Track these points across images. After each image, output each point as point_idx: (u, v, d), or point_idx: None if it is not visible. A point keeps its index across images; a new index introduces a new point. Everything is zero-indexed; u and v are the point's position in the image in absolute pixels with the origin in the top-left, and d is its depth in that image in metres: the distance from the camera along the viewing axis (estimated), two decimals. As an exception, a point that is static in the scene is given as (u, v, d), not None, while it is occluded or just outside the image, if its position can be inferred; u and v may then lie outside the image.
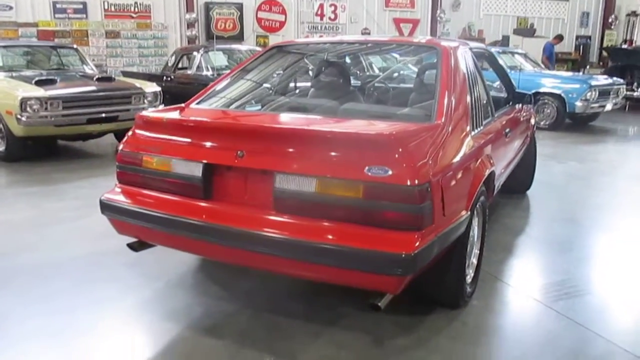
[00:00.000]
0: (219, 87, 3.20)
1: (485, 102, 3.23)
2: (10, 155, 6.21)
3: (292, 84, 3.48)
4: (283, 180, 2.25)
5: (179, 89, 7.93)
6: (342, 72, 3.49)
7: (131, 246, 2.77)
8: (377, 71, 4.28)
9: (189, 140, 2.50)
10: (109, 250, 3.57)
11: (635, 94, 11.99)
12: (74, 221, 4.22)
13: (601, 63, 15.85)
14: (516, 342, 2.55)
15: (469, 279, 2.82)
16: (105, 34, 10.29)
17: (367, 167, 2.11)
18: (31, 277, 3.18)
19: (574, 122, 9.94)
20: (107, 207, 2.70)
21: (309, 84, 3.49)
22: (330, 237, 2.16)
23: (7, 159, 6.22)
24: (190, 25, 11.02)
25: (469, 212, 2.53)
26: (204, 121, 2.63)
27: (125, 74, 9.19)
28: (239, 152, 2.34)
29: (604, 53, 15.51)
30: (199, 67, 8.01)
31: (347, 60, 3.81)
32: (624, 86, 10.19)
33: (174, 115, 2.73)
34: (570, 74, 11.45)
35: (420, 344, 2.51)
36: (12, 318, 2.71)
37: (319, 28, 12.65)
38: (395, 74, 3.92)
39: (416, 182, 2.08)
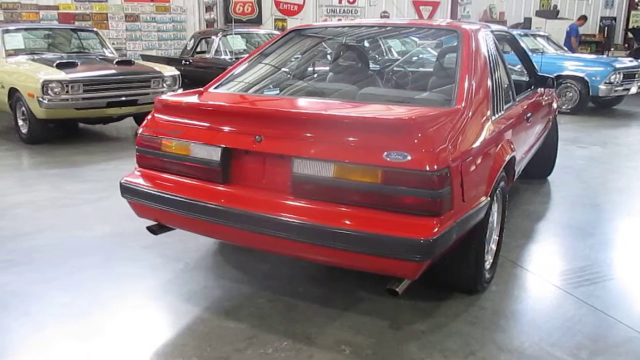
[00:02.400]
0: (237, 71, 3.20)
1: (506, 86, 3.18)
2: (32, 138, 6.30)
3: (310, 68, 3.46)
4: (301, 165, 2.25)
5: (197, 72, 7.95)
6: (360, 56, 3.46)
7: (150, 229, 2.81)
8: (396, 55, 4.21)
9: (207, 124, 2.51)
10: (129, 231, 3.63)
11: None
12: (94, 203, 4.29)
13: (626, 45, 15.46)
14: (535, 328, 2.53)
15: (487, 264, 2.80)
16: (124, 17, 10.32)
17: (385, 153, 2.10)
18: (52, 256, 3.25)
19: (597, 106, 9.75)
20: (126, 190, 2.73)
21: (327, 68, 3.46)
22: (348, 222, 2.15)
23: (30, 141, 6.32)
24: (208, 8, 11.00)
25: (488, 198, 2.51)
26: (222, 105, 2.63)
27: (144, 57, 9.22)
28: (257, 136, 2.34)
29: (629, 34, 15.13)
30: (217, 51, 8.01)
31: (366, 44, 3.76)
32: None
33: (193, 99, 2.73)
34: (593, 56, 11.19)
35: (438, 329, 2.51)
36: (34, 295, 2.78)
37: (338, 11, 12.53)
38: (415, 58, 3.87)
39: (435, 167, 2.06)
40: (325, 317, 2.60)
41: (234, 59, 7.83)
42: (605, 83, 8.73)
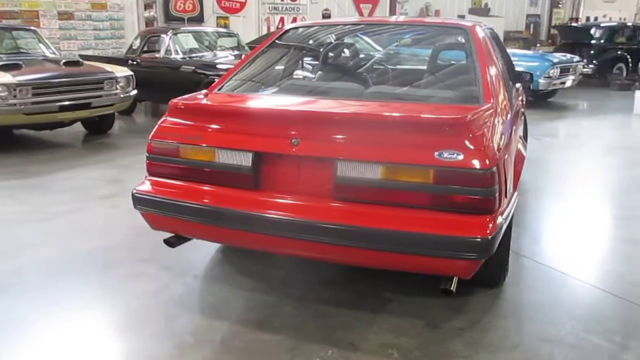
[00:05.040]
0: (240, 72, 3.05)
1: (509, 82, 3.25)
2: (-26, 148, 5.78)
3: (313, 67, 3.37)
4: (345, 168, 2.18)
5: (146, 73, 7.57)
6: (358, 53, 3.42)
7: (168, 241, 2.64)
8: (403, 53, 4.21)
9: (236, 128, 2.38)
10: (118, 244, 3.42)
11: (584, 70, 12.49)
12: (69, 215, 3.98)
13: (550, 41, 16.39)
14: (564, 317, 2.59)
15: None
16: (57, 14, 9.65)
17: (437, 152, 2.07)
18: (46, 276, 2.98)
19: (535, 99, 10.26)
20: (141, 201, 2.54)
21: (329, 67, 3.38)
22: (402, 224, 2.11)
23: (-29, 151, 5.79)
24: (147, 6, 10.53)
25: (517, 192, 2.55)
26: (253, 108, 2.50)
27: (83, 58, 8.67)
28: (293, 139, 2.25)
29: (553, 31, 16.05)
30: (168, 51, 7.67)
31: (370, 42, 3.72)
32: (581, 63, 10.59)
33: (215, 102, 2.58)
34: (530, 52, 11.76)
35: (474, 325, 2.53)
36: (28, 322, 2.53)
37: (280, 9, 12.38)
38: (421, 56, 3.87)
39: (488, 165, 2.06)
40: (359, 321, 2.54)
41: (187, 59, 7.55)
42: (545, 77, 9.20)
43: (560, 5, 16.58)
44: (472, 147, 2.08)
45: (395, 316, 2.60)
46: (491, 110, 2.38)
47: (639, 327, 2.52)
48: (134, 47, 8.29)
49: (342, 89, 2.99)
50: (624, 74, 12.99)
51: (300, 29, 3.46)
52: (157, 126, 2.57)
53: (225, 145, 2.37)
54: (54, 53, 7.15)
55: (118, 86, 6.41)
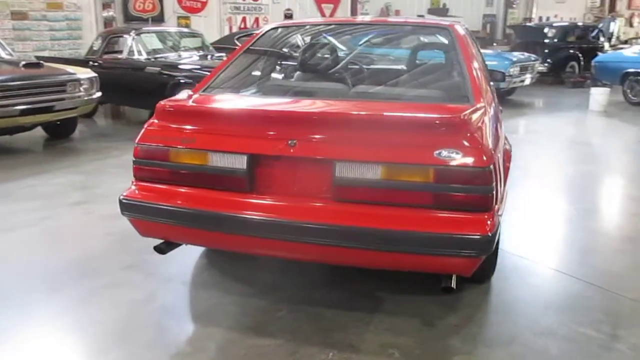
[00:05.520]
0: (223, 73, 2.98)
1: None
2: None
3: (296, 68, 3.33)
4: (344, 169, 2.16)
5: (109, 74, 7.36)
6: (337, 53, 3.41)
7: (158, 248, 2.55)
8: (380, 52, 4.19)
9: (229, 130, 2.33)
10: (98, 254, 3.30)
11: (540, 68, 12.89)
12: (39, 224, 3.81)
13: (505, 40, 16.82)
14: (551, 310, 2.66)
15: (496, 253, 2.90)
16: (10, 14, 9.25)
17: (436, 151, 2.09)
18: (26, 292, 2.82)
19: (495, 97, 10.50)
20: (129, 208, 2.46)
21: (312, 67, 3.35)
22: (403, 223, 2.11)
23: None
24: (106, 5, 10.22)
25: (506, 190, 2.60)
26: (246, 110, 2.45)
27: (40, 59, 8.35)
28: (290, 141, 2.22)
29: (509, 30, 16.48)
30: (131, 52, 7.47)
31: (352, 42, 3.70)
32: (538, 62, 10.92)
33: (208, 104, 2.52)
34: (490, 51, 12.04)
35: (469, 321, 2.56)
36: (27, 341, 2.41)
37: (242, 9, 12.26)
38: (403, 56, 3.88)
39: (487, 163, 2.08)
40: (355, 321, 2.54)
41: (151, 60, 7.37)
42: (506, 76, 9.43)
43: (514, 6, 17.06)
44: (470, 145, 2.10)
45: (390, 315, 2.60)
46: (483, 109, 2.41)
47: (622, 316, 2.61)
48: (94, 48, 8.04)
49: (328, 90, 2.96)
50: (577, 71, 13.48)
51: (280, 29, 3.42)
52: (144, 129, 2.48)
53: (219, 147, 2.31)
54: (11, 54, 6.85)
55: (81, 88, 6.20)
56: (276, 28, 3.35)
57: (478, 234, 2.05)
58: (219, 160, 2.32)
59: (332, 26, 3.63)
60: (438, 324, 2.53)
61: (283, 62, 3.47)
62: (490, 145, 2.22)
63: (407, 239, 2.10)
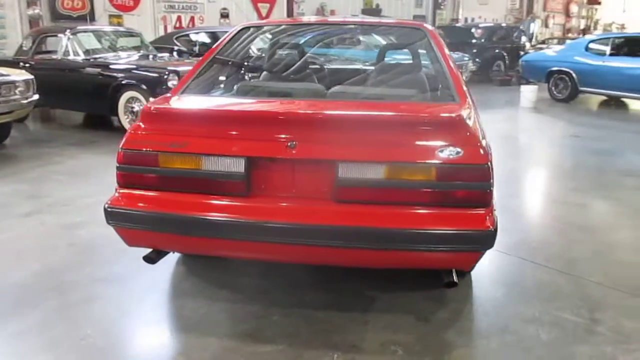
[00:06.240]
0: (201, 74, 2.88)
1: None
2: None
3: (281, 68, 3.27)
4: (347, 169, 2.16)
5: (42, 76, 6.93)
6: (305, 53, 3.40)
7: (148, 258, 2.43)
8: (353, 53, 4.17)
9: (223, 132, 2.25)
10: (61, 266, 3.09)
11: (471, 67, 13.47)
12: (-8, 238, 3.54)
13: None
14: (532, 298, 2.78)
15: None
16: None
17: (437, 149, 2.13)
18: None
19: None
20: (115, 216, 2.32)
21: (287, 67, 3.31)
22: (407, 222, 2.13)
23: None
24: (31, 3, 9.61)
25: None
26: (241, 111, 2.38)
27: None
28: (289, 142, 2.18)
29: (439, 31, 17.06)
30: (66, 52, 7.08)
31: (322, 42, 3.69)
32: (470, 61, 11.39)
33: (198, 106, 2.43)
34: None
35: (459, 314, 2.63)
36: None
37: (177, 7, 11.93)
38: (374, 56, 3.91)
39: (485, 160, 2.15)
40: (352, 322, 2.54)
41: (90, 60, 7.01)
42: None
43: (442, 7, 17.69)
44: (469, 143, 2.15)
45: (384, 313, 2.63)
46: (472, 108, 2.48)
47: (594, 300, 2.77)
48: (24, 48, 7.55)
49: (303, 90, 2.94)
50: (503, 70, 14.20)
51: (252, 29, 3.35)
52: (128, 133, 2.36)
53: (214, 151, 2.24)
54: None
55: (17, 91, 5.81)
56: (248, 28, 3.28)
57: (482, 229, 2.11)
58: (214, 164, 2.24)
59: (306, 27, 3.60)
60: (432, 319, 2.58)
61: (262, 63, 3.41)
62: (485, 142, 2.29)
63: (412, 237, 2.12)
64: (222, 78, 3.04)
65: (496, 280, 3.01)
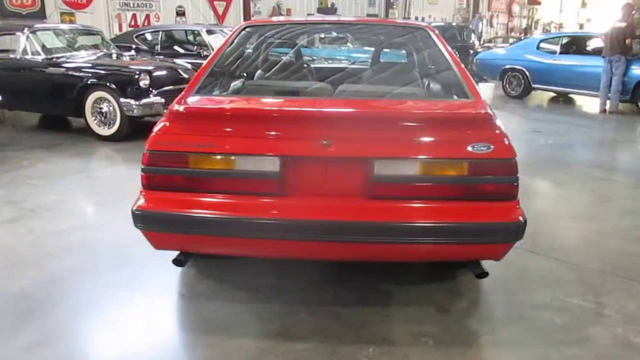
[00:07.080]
0: (211, 73, 2.84)
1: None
2: None
3: (279, 66, 3.27)
4: (383, 166, 2.20)
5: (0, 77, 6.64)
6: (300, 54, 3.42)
7: (177, 261, 2.40)
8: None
9: (256, 132, 2.25)
10: (64, 274, 2.98)
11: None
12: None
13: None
14: (541, 286, 2.92)
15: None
16: None
17: (469, 145, 2.20)
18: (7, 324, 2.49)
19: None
20: (144, 219, 2.28)
21: (290, 65, 3.32)
22: (441, 216, 2.20)
23: None
24: (-24, -1, 9.14)
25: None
26: (274, 110, 2.37)
27: None
28: (324, 141, 2.21)
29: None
30: (25, 51, 6.76)
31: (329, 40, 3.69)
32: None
33: (226, 105, 2.41)
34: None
35: (477, 304, 2.73)
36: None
37: (132, 5, 11.60)
38: (378, 55, 3.94)
39: (512, 154, 2.25)
40: (376, 316, 2.59)
41: (52, 60, 6.72)
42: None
43: (394, 7, 18.02)
44: (497, 139, 2.25)
45: (405, 306, 2.69)
46: (488, 104, 2.58)
47: (597, 286, 2.95)
48: (-23, 47, 7.15)
49: (314, 89, 2.96)
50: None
51: (256, 27, 3.33)
52: (154, 134, 2.31)
53: (247, 151, 2.23)
54: None
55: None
56: (252, 26, 3.26)
57: (513, 221, 2.21)
58: (247, 164, 2.24)
59: (310, 26, 3.61)
60: (452, 310, 2.67)
61: (267, 63, 3.39)
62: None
63: (447, 230, 2.19)
64: (231, 77, 3.01)
65: (501, 270, 3.13)
